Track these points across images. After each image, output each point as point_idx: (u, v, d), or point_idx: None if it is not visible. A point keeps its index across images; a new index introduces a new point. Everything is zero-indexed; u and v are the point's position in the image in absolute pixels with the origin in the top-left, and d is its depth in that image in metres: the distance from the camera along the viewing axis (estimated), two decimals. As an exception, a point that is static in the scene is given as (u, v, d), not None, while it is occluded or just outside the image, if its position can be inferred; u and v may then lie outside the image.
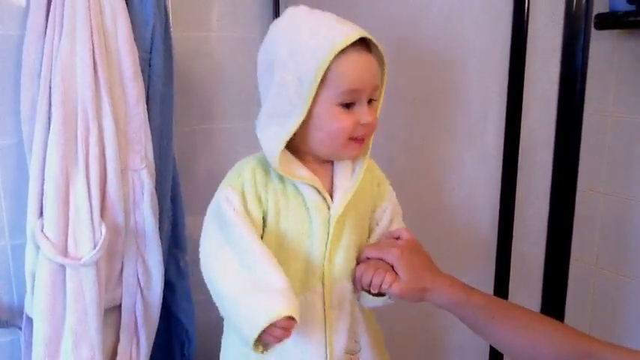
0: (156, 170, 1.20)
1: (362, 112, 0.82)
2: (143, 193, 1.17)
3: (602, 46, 1.12)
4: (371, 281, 0.84)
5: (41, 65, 1.09)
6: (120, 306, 1.19)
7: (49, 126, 1.07)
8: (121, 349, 1.19)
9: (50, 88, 1.08)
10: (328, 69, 0.78)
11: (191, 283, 1.35)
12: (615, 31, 1.12)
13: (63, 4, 1.07)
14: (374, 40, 0.82)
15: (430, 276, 0.85)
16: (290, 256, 0.86)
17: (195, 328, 1.36)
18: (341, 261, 0.87)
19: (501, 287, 1.15)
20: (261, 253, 0.80)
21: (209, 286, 0.84)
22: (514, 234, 1.12)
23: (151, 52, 1.18)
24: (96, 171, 1.09)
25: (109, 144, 1.10)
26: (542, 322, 0.80)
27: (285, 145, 0.82)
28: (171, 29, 1.22)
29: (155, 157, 1.19)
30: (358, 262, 0.89)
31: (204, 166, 1.49)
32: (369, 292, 0.86)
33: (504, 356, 1.17)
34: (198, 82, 1.43)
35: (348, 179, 0.89)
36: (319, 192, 0.86)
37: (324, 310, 0.87)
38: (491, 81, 1.08)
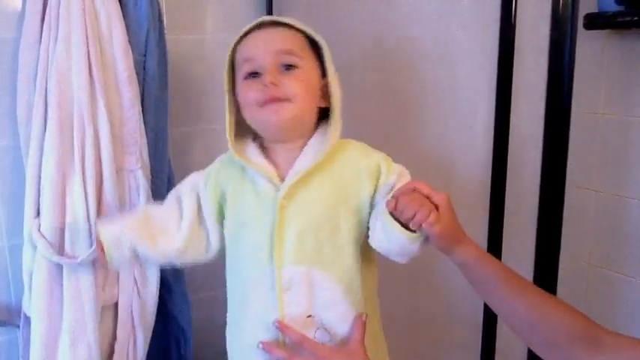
0: (151, 171, 1.21)
1: (265, 76, 0.86)
2: (139, 194, 1.18)
3: (591, 46, 1.13)
4: (414, 215, 0.80)
5: (37, 69, 1.10)
6: (116, 305, 1.20)
7: (46, 128, 1.09)
8: (118, 347, 1.21)
9: (46, 91, 1.09)
10: (234, 53, 0.90)
11: (187, 282, 1.36)
12: (604, 31, 1.13)
13: (58, 9, 1.08)
14: (282, 20, 0.89)
15: (461, 230, 0.85)
16: (247, 242, 0.91)
17: (191, 328, 1.37)
18: (291, 246, 0.87)
19: (493, 285, 1.16)
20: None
21: None
22: (504, 232, 1.12)
23: (145, 55, 1.20)
24: (92, 172, 1.10)
25: (104, 146, 1.12)
26: (558, 302, 0.80)
27: (232, 130, 0.91)
28: (166, 32, 1.23)
29: (150, 158, 1.21)
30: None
31: (199, 167, 1.49)
32: (402, 224, 0.82)
33: (496, 353, 1.17)
34: (192, 84, 1.44)
35: (305, 164, 0.88)
36: (270, 179, 0.88)
37: (277, 292, 0.87)
38: (479, 81, 1.09)
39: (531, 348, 0.81)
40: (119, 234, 0.93)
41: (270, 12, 1.45)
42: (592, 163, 1.15)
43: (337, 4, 1.29)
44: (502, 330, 1.18)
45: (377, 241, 0.87)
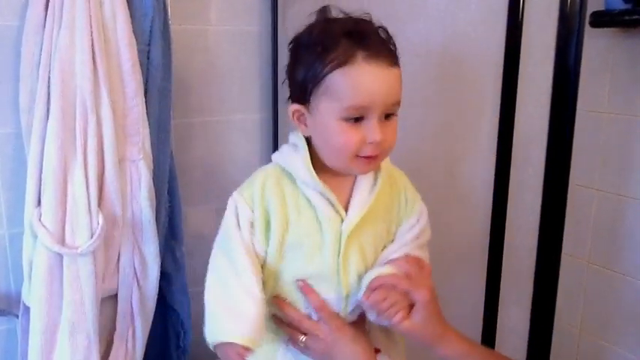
0: (153, 162, 1.21)
1: (369, 129, 0.77)
2: (140, 184, 1.18)
3: (597, 44, 1.12)
4: (384, 311, 0.82)
5: (40, 56, 1.10)
6: (116, 295, 1.20)
7: (48, 116, 1.08)
8: (117, 338, 1.21)
9: (49, 79, 1.09)
10: (328, 78, 0.77)
11: (187, 274, 1.36)
12: (611, 30, 1.12)
13: (62, -4, 1.07)
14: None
15: (441, 329, 0.84)
16: (306, 264, 0.85)
17: (191, 319, 1.37)
18: (354, 274, 0.85)
19: (493, 281, 1.17)
20: (248, 266, 0.82)
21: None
22: (506, 229, 1.13)
23: (149, 45, 1.19)
24: (94, 161, 1.10)
25: (107, 135, 1.11)
26: None
27: (307, 155, 0.83)
28: (170, 22, 1.23)
29: (152, 149, 1.20)
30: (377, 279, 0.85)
31: (201, 158, 1.50)
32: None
33: (495, 349, 1.18)
34: (196, 74, 1.44)
35: (367, 193, 0.85)
36: (332, 205, 0.83)
37: (342, 315, 0.88)
38: (485, 77, 1.08)
39: None
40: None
41: (274, 3, 1.44)
42: (594, 161, 1.14)
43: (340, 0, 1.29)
44: (502, 327, 1.18)
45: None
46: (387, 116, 0.80)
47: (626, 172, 1.07)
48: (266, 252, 0.85)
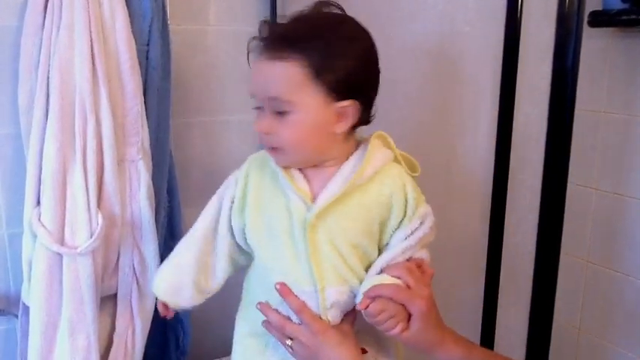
0: (152, 162, 1.21)
1: (261, 122, 0.82)
2: (140, 184, 1.18)
3: (595, 44, 1.12)
4: (382, 323, 0.81)
5: (39, 57, 1.10)
6: (116, 295, 1.20)
7: (47, 117, 1.08)
8: (117, 338, 1.21)
9: (48, 80, 1.09)
10: None
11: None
12: (609, 30, 1.13)
13: (61, -3, 1.08)
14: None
15: (440, 335, 0.84)
16: (281, 259, 0.86)
17: (190, 320, 1.37)
18: (329, 267, 0.84)
19: (492, 281, 1.17)
20: (188, 234, 0.95)
21: None
22: (505, 228, 1.13)
23: (148, 45, 1.19)
24: (93, 162, 1.10)
25: (106, 135, 1.11)
26: None
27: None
28: (169, 23, 1.23)
29: (152, 149, 1.20)
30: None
31: (200, 158, 1.50)
32: None
33: (494, 347, 1.18)
34: (194, 75, 1.44)
35: (338, 187, 0.83)
36: (303, 197, 0.84)
37: (322, 310, 0.85)
38: (483, 77, 1.09)
39: None
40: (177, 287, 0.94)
41: (273, 3, 1.44)
42: (593, 161, 1.14)
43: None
44: (501, 326, 1.18)
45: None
46: (281, 113, 0.80)
47: (624, 171, 1.08)
48: (244, 231, 0.91)
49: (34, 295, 1.10)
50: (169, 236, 1.32)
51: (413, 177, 0.88)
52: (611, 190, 1.09)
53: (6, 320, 1.26)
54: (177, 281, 0.94)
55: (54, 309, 1.11)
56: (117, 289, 1.20)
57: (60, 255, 1.09)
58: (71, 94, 1.08)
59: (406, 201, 0.86)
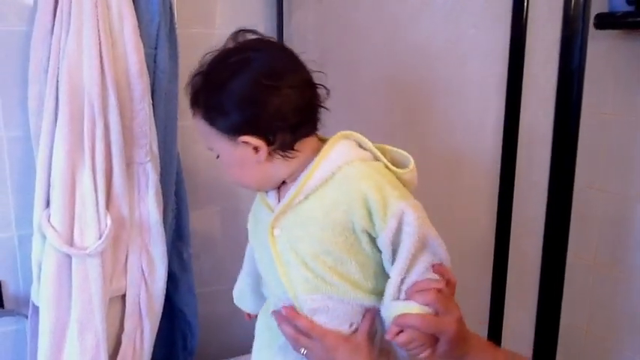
0: (160, 164, 1.22)
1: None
2: (148, 186, 1.19)
3: (601, 45, 1.12)
4: (412, 350, 0.80)
5: (49, 61, 1.11)
6: (124, 296, 1.21)
7: (56, 120, 1.09)
8: (125, 338, 1.21)
9: (57, 83, 1.10)
10: None
11: (194, 276, 1.37)
12: (614, 32, 1.13)
13: (70, 1, 1.08)
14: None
15: (466, 347, 0.83)
16: (261, 258, 0.92)
17: (197, 321, 1.38)
18: (297, 276, 0.83)
19: (499, 282, 1.17)
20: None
21: None
22: (512, 229, 1.13)
23: (156, 49, 1.20)
24: (102, 164, 1.11)
25: (114, 138, 1.12)
26: None
27: None
28: (176, 26, 1.24)
29: (159, 151, 1.21)
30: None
31: (208, 161, 1.50)
32: None
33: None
34: (202, 77, 1.44)
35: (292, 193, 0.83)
36: (268, 207, 0.88)
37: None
38: (490, 78, 1.09)
39: None
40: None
41: (280, 8, 1.45)
42: (599, 162, 1.15)
43: (348, 0, 1.30)
44: (508, 327, 1.18)
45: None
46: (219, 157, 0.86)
47: (630, 172, 1.08)
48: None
49: (43, 295, 1.11)
50: (177, 238, 1.33)
51: (402, 172, 0.82)
52: (617, 192, 1.09)
53: (16, 320, 1.27)
54: (240, 289, 1.06)
55: (63, 309, 1.12)
56: (125, 290, 1.21)
57: (69, 256, 1.10)
58: (80, 98, 1.09)
59: (367, 202, 0.78)
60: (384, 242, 0.79)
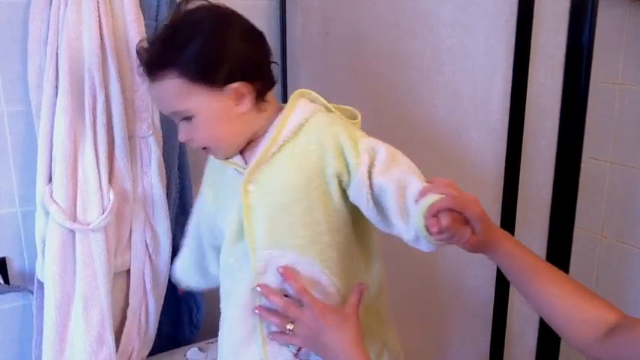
0: (163, 138, 1.21)
1: (180, 133, 0.87)
2: (150, 160, 1.18)
3: (612, 13, 1.10)
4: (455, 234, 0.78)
5: (48, 33, 1.09)
6: (129, 271, 1.21)
7: (57, 93, 1.08)
8: (130, 313, 1.22)
9: (57, 55, 1.08)
10: None
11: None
12: (626, -1, 1.10)
13: (68, -29, 1.07)
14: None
15: (490, 233, 0.83)
16: (223, 228, 0.92)
17: (203, 295, 1.38)
18: (261, 230, 0.86)
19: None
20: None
21: None
22: (518, 202, 1.12)
23: (156, 20, 1.19)
24: (103, 138, 1.10)
25: (115, 111, 1.11)
26: (584, 290, 0.79)
27: None
28: (177, -3, 1.22)
29: (162, 125, 1.20)
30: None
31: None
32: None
33: (505, 345, 1.17)
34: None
35: (265, 146, 0.87)
36: (236, 167, 0.89)
37: (254, 276, 0.88)
38: (497, 48, 1.07)
39: (570, 343, 0.80)
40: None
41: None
42: (608, 134, 1.13)
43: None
44: (512, 321, 1.18)
45: (397, 234, 0.83)
46: (188, 118, 0.85)
47: (639, 144, 1.06)
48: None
49: (48, 271, 1.11)
50: (181, 212, 1.32)
51: (353, 122, 0.89)
52: (626, 164, 1.08)
53: (21, 296, 1.27)
54: (184, 267, 1.12)
55: (68, 284, 1.12)
56: (130, 265, 1.21)
57: (73, 231, 1.10)
58: (80, 70, 1.08)
59: (339, 143, 0.84)
60: (361, 178, 0.82)
